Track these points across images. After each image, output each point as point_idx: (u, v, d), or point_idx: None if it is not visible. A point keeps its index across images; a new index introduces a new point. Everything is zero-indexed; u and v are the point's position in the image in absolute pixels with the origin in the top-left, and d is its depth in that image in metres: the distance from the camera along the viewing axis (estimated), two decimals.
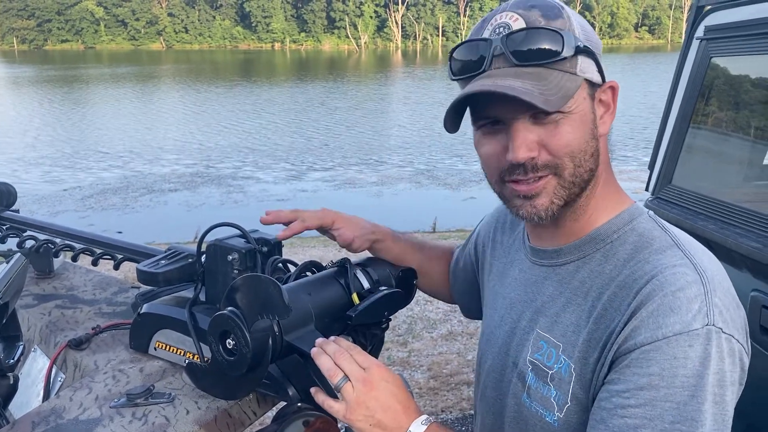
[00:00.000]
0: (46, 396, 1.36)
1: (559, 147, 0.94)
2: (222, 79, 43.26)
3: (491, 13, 0.97)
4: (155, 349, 1.32)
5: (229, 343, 1.03)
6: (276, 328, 1.02)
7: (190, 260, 1.34)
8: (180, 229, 9.60)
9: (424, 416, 0.98)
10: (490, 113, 0.97)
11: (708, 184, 2.27)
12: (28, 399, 1.38)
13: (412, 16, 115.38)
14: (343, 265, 1.21)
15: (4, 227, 1.81)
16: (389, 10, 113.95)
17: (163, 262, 1.34)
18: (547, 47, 0.90)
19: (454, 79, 1.00)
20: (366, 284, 1.19)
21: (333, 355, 0.99)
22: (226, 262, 1.24)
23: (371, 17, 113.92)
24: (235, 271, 1.24)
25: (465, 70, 0.97)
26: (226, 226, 1.29)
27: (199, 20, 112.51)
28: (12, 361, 1.25)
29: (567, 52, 0.90)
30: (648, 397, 0.84)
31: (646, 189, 2.46)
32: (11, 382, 1.25)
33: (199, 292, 1.30)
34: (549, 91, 0.89)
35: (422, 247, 1.44)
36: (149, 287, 1.46)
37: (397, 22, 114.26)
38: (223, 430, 1.12)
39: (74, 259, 1.65)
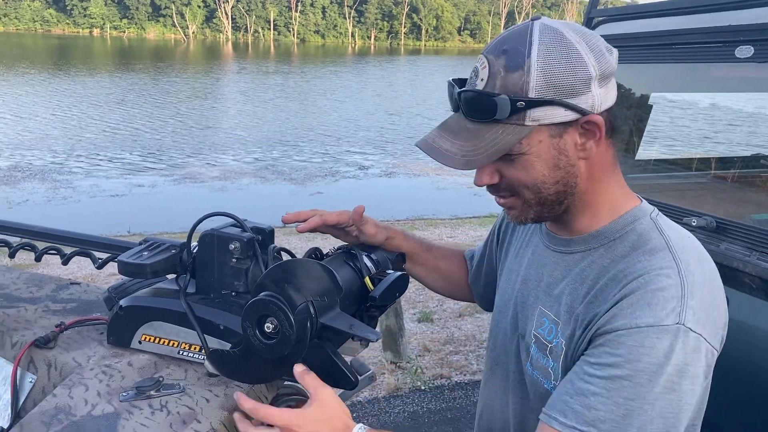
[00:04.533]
0: (15, 398, 1.27)
1: (512, 181, 1.09)
2: (34, 66, 39.70)
3: (485, 48, 1.08)
4: (140, 342, 1.29)
5: (268, 327, 1.05)
6: (312, 311, 1.06)
7: (173, 251, 1.32)
8: None
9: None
10: None
11: None
12: None
13: (243, 8, 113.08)
14: (349, 251, 1.26)
15: None
16: (218, 1, 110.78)
17: (145, 253, 1.30)
18: (482, 110, 1.02)
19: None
20: (372, 268, 1.25)
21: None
22: (225, 251, 1.24)
23: (199, 7, 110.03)
24: (234, 260, 1.24)
25: (450, 103, 1.10)
26: (220, 215, 1.29)
27: (3, 0, 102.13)
28: None
29: (500, 114, 1.01)
30: (612, 374, 0.98)
31: None
32: None
33: (188, 283, 1.29)
34: (477, 150, 1.03)
35: (430, 247, 1.52)
36: (120, 281, 1.41)
37: (227, 14, 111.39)
38: (246, 415, 1.13)
39: (12, 255, 1.54)
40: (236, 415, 1.10)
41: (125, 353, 1.29)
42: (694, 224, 2.08)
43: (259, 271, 1.23)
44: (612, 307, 1.02)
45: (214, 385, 1.19)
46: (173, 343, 1.26)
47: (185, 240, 1.34)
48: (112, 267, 1.46)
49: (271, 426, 1.06)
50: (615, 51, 1.06)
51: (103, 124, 19.60)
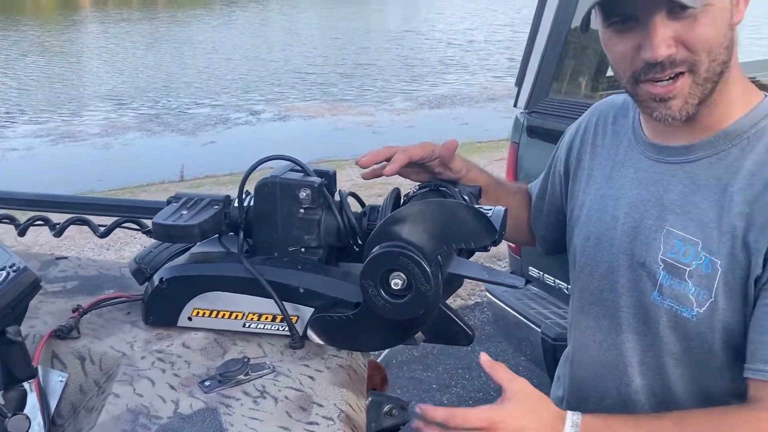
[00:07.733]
0: (44, 402, 1.03)
1: (697, 42, 0.93)
2: None
3: None
4: (189, 318, 1.07)
5: (396, 283, 0.88)
6: (441, 260, 0.89)
7: (217, 206, 1.10)
8: None
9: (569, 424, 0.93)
10: (625, 9, 0.94)
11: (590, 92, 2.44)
12: None
13: None
14: (437, 188, 1.09)
15: None
16: None
17: (185, 212, 1.07)
18: None
19: None
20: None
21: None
22: (291, 200, 1.04)
23: None
24: (302, 210, 1.05)
25: None
26: (280, 159, 1.08)
27: None
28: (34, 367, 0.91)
29: None
30: None
31: (515, 105, 2.57)
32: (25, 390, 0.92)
33: (243, 242, 1.08)
34: None
35: (499, 182, 1.34)
36: (146, 249, 1.18)
37: None
38: (358, 386, 0.96)
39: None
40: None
41: (172, 333, 1.08)
42: None
43: (333, 220, 1.05)
44: None
45: (305, 358, 1.00)
46: (236, 315, 1.06)
47: (226, 194, 1.13)
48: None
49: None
50: None
51: None
